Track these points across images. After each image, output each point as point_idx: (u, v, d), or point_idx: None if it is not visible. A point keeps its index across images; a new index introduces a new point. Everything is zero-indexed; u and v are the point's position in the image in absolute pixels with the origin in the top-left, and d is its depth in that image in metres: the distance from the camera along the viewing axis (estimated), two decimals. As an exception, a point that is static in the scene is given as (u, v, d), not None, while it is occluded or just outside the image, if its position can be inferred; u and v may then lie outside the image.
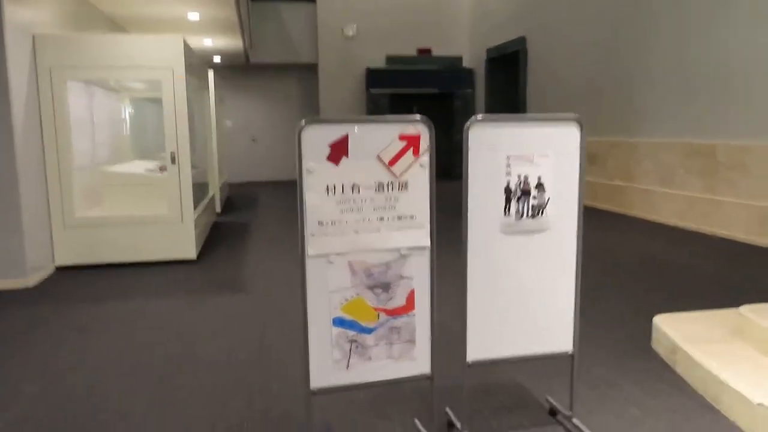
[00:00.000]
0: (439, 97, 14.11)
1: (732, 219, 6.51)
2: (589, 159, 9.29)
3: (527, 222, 2.41)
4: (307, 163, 2.09)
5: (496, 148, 2.34)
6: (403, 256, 2.25)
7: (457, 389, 2.59)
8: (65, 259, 5.65)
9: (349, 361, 2.24)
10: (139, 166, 6.83)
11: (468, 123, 2.31)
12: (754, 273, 5.08)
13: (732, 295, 4.44)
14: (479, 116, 2.32)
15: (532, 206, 2.40)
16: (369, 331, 2.25)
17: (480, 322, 2.41)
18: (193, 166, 6.26)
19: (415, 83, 13.75)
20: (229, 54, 12.62)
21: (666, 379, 3.05)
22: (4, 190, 4.93)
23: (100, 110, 6.88)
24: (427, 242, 2.26)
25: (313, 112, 14.26)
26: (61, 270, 5.59)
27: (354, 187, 2.15)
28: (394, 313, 2.27)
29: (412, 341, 2.31)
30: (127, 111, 7.95)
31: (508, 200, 2.38)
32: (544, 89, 10.90)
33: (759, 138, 6.23)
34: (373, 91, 13.57)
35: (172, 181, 5.79)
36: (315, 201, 2.12)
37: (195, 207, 6.05)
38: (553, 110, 10.40)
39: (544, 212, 2.42)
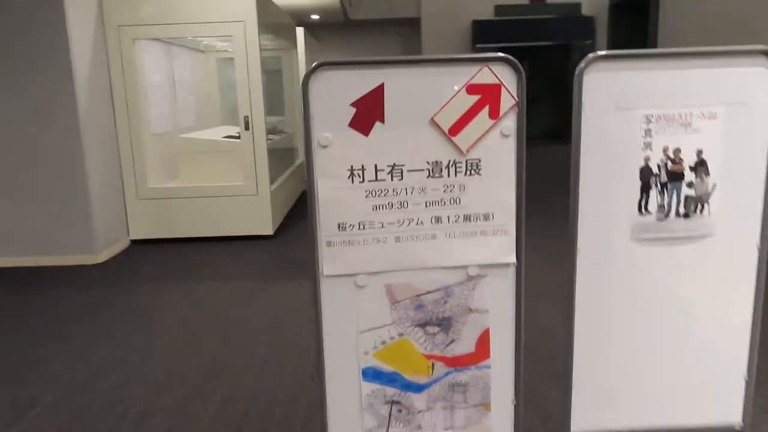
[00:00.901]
0: (554, 50, 12.71)
1: None
2: None
3: (677, 223, 1.51)
4: (319, 133, 1.34)
5: (627, 104, 1.46)
6: (473, 279, 1.45)
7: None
8: (140, 232, 5.33)
9: (387, 430, 1.50)
10: (218, 133, 6.39)
11: (582, 64, 1.44)
12: None
13: None
14: (599, 53, 1.44)
15: (686, 198, 1.50)
16: (417, 388, 1.49)
17: (592, 377, 1.57)
18: (276, 132, 5.71)
19: (526, 36, 12.46)
20: (327, 11, 12.01)
21: None
22: (70, 160, 4.61)
23: (180, 72, 6.49)
24: (511, 257, 1.45)
25: (416, 72, 13.40)
26: (136, 243, 5.28)
27: (394, 170, 1.37)
28: (457, 363, 1.49)
29: (485, 405, 1.52)
30: (211, 73, 7.56)
31: (645, 189, 1.49)
32: (683, 39, 9.29)
33: None
34: (480, 46, 12.46)
35: (245, 149, 5.26)
36: (332, 192, 1.36)
37: (276, 177, 5.51)
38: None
39: (705, 208, 1.51)
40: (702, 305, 1.55)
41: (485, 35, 12.46)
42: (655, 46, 10.07)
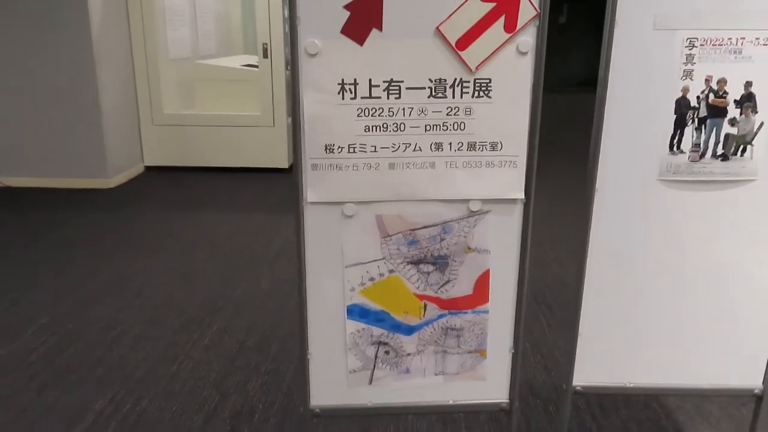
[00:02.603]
0: (596, -8, 12.03)
1: None
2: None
3: (713, 165, 1.33)
4: (306, 39, 1.17)
5: (667, 24, 1.25)
6: (475, 215, 1.30)
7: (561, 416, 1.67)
8: (154, 159, 5.24)
9: (373, 372, 1.39)
10: (237, 61, 6.19)
11: (620, -25, 1.23)
12: None
13: None
14: (643, -39, 1.23)
15: (727, 137, 1.32)
16: (407, 330, 1.36)
17: (601, 329, 1.43)
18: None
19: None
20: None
21: None
22: (82, 82, 4.49)
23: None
24: (519, 192, 1.29)
25: None
26: (150, 170, 5.21)
27: (391, 87, 1.21)
28: (452, 305, 1.36)
29: (480, 352, 1.40)
30: (237, 1, 7.28)
31: (680, 124, 1.31)
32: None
33: None
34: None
35: (263, 78, 5.08)
36: (320, 108, 1.21)
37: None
38: None
39: (747, 149, 1.32)
40: (733, 260, 1.38)
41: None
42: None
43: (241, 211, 4.10)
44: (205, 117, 5.23)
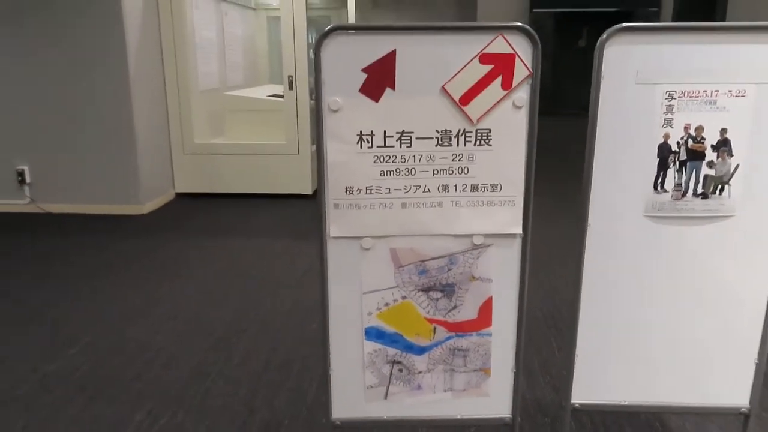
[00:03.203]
0: (616, 17, 12.20)
1: None
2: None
3: (694, 203, 1.48)
4: (329, 97, 1.36)
5: (648, 78, 1.42)
6: (478, 248, 1.46)
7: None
8: (184, 186, 5.50)
9: (388, 388, 1.55)
10: (264, 91, 6.47)
11: (603, 36, 1.40)
12: None
13: None
14: (622, 25, 1.40)
15: (706, 178, 1.47)
16: (419, 350, 1.52)
17: (597, 350, 1.58)
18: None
19: (588, 1, 11.99)
20: (381, -29, 11.81)
21: None
22: (119, 111, 4.77)
23: (230, 29, 6.55)
24: (517, 228, 1.45)
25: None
26: (180, 197, 5.46)
27: (403, 137, 1.39)
28: (458, 328, 1.51)
29: (485, 371, 1.55)
30: (260, 31, 7.59)
31: (663, 166, 1.46)
32: (755, 4, 8.78)
33: None
34: (537, 11, 12.07)
35: (289, 108, 5.32)
36: (341, 156, 1.39)
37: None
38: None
39: (725, 189, 1.47)
40: (715, 287, 1.52)
41: (542, 0, 12.05)
42: (724, 16, 9.55)
43: (267, 236, 4.30)
44: (233, 146, 5.48)
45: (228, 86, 6.27)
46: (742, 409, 1.62)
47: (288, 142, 5.38)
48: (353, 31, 1.33)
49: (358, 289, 1.47)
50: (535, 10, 12.11)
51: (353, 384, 1.54)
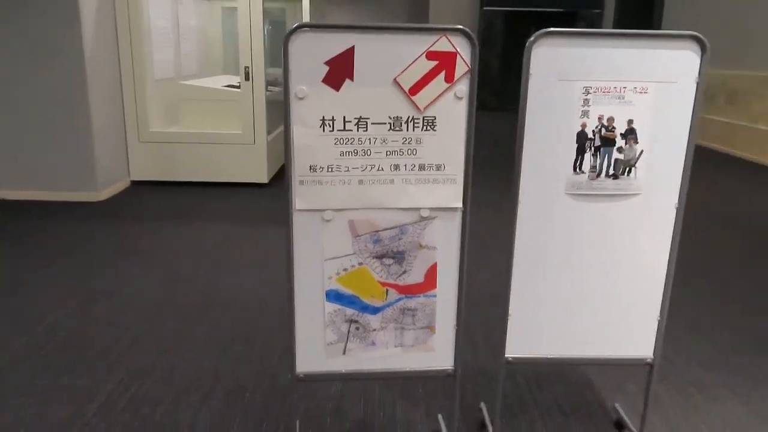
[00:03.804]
0: (561, 17, 12.69)
1: None
2: (729, 98, 7.91)
3: (606, 183, 1.74)
4: (296, 86, 1.55)
5: (568, 76, 1.67)
6: (425, 220, 1.68)
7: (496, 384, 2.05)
8: (140, 173, 5.55)
9: (346, 345, 1.76)
10: (219, 81, 6.55)
11: (531, 38, 1.64)
12: None
13: None
14: (546, 30, 1.64)
15: (616, 161, 1.73)
16: (374, 310, 1.74)
17: (527, 310, 1.83)
18: (276, 84, 5.87)
19: (535, 1, 12.41)
20: (335, -35, 11.92)
21: (788, 396, 2.32)
22: (75, 99, 4.80)
23: (185, 19, 6.60)
24: (458, 202, 1.68)
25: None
26: (136, 184, 5.51)
27: (360, 122, 1.59)
28: (408, 291, 1.74)
29: (430, 328, 1.78)
30: (215, 21, 7.64)
31: (581, 151, 1.72)
32: (685, 8, 9.33)
33: None
34: (487, 9, 12.43)
35: (245, 99, 5.44)
36: (306, 138, 1.59)
37: (274, 128, 5.72)
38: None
39: (632, 171, 1.74)
40: (625, 254, 1.79)
41: (493, -1, 12.42)
42: (661, 15, 10.09)
43: (225, 222, 4.43)
44: (188, 135, 5.56)
45: (183, 76, 6.33)
46: (648, 360, 1.90)
47: (244, 132, 5.50)
48: (318, 29, 1.53)
49: (319, 256, 1.67)
50: (485, 8, 12.45)
51: (315, 341, 1.74)
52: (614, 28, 11.71)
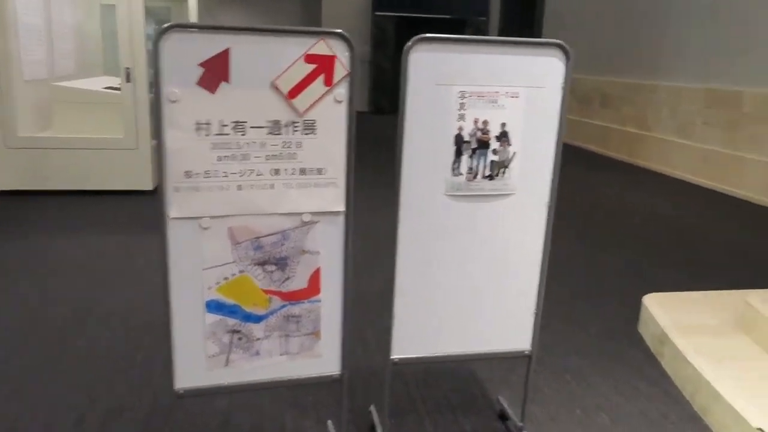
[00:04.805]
0: (451, 24, 13.11)
1: (752, 179, 5.82)
2: (603, 101, 8.51)
3: (483, 183, 1.80)
4: (168, 88, 1.48)
5: (445, 81, 1.71)
6: (307, 224, 1.66)
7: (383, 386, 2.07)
8: (8, 183, 5.10)
9: (228, 356, 1.70)
10: (99, 83, 6.17)
11: (408, 44, 1.67)
12: (772, 243, 4.48)
13: (746, 270, 3.86)
14: (422, 36, 1.68)
15: (492, 163, 1.80)
16: (256, 319, 1.70)
17: (411, 311, 1.85)
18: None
19: (425, 7, 12.75)
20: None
21: (649, 377, 2.52)
22: (-74, 102, 4.34)
23: (60, 16, 6.15)
24: (340, 206, 1.68)
25: (314, 35, 13.29)
26: (4, 194, 5.06)
27: (237, 126, 1.55)
28: (291, 297, 1.71)
29: (315, 334, 1.76)
30: (93, 19, 7.20)
31: (458, 153, 1.77)
32: (563, 20, 9.95)
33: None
34: (379, 14, 12.60)
35: (126, 101, 5.16)
36: (180, 143, 1.52)
37: (157, 132, 5.46)
38: (571, 46, 9.52)
39: (506, 172, 1.81)
40: (502, 251, 1.87)
41: (385, 3, 12.60)
42: (541, 24, 10.69)
43: (103, 233, 4.18)
44: (64, 140, 5.19)
45: (58, 77, 5.90)
46: (526, 352, 1.99)
47: (126, 137, 5.21)
48: (191, 29, 1.47)
49: (198, 265, 1.61)
50: (377, 13, 12.62)
51: (195, 354, 1.67)
52: (499, 35, 12.27)
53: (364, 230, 1.73)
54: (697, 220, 5.08)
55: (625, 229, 4.72)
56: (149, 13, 5.36)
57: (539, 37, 10.60)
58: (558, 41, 1.76)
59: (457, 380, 2.41)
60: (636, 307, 3.03)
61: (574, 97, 8.85)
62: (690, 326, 2.72)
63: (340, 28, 1.57)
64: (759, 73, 5.85)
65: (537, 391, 2.33)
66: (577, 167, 7.06)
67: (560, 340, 2.77)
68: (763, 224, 5.03)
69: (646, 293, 3.09)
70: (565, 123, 1.82)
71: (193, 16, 8.23)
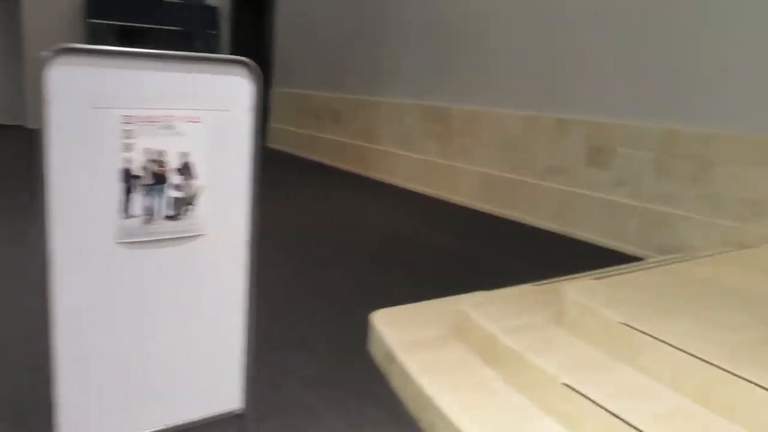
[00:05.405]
0: (177, 35, 12.39)
1: (465, 186, 6.46)
2: (335, 117, 8.77)
3: (164, 225, 1.51)
4: None
5: (104, 103, 1.39)
6: None
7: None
8: None
9: None
10: None
11: (45, 54, 1.31)
12: (491, 244, 4.95)
13: (462, 274, 4.16)
14: (68, 45, 1.33)
15: (175, 200, 1.52)
16: None
17: (83, 388, 1.48)
18: None
19: (145, 17, 11.86)
20: None
21: (379, 398, 2.47)
22: None
23: None
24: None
25: (14, 46, 11.46)
26: None
27: None
28: None
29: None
30: None
31: (128, 191, 1.45)
32: (294, 39, 10.05)
33: (488, 104, 6.19)
34: (92, 21, 11.37)
35: None
36: None
37: None
38: (302, 64, 9.67)
39: (192, 210, 1.55)
40: (194, 303, 1.60)
41: (99, 11, 11.41)
42: (270, 41, 10.66)
43: None
44: None
45: None
46: (237, 411, 1.75)
47: None
48: None
49: None
50: (90, 20, 11.37)
51: None
52: (232, 51, 11.95)
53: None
54: (422, 228, 5.42)
55: (352, 243, 4.80)
56: None
57: (270, 54, 10.57)
58: (242, 58, 1.56)
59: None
60: (365, 325, 3.01)
61: (310, 113, 8.98)
62: (413, 341, 2.75)
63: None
64: (463, 91, 6.51)
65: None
66: (315, 182, 7.12)
67: (292, 372, 2.59)
68: (475, 228, 5.57)
69: (376, 308, 3.08)
70: (259, 149, 1.62)
71: None
